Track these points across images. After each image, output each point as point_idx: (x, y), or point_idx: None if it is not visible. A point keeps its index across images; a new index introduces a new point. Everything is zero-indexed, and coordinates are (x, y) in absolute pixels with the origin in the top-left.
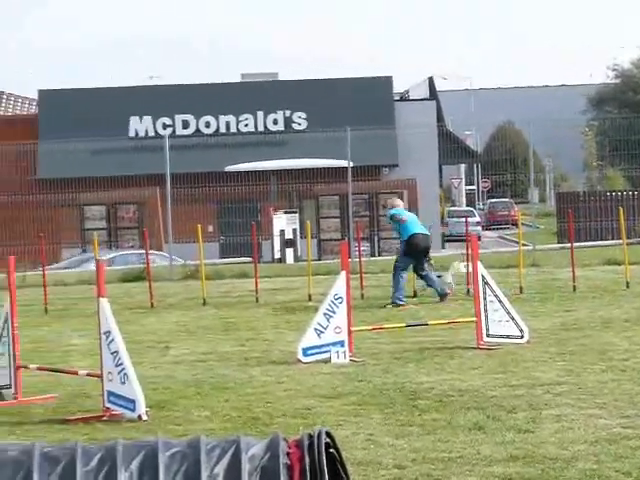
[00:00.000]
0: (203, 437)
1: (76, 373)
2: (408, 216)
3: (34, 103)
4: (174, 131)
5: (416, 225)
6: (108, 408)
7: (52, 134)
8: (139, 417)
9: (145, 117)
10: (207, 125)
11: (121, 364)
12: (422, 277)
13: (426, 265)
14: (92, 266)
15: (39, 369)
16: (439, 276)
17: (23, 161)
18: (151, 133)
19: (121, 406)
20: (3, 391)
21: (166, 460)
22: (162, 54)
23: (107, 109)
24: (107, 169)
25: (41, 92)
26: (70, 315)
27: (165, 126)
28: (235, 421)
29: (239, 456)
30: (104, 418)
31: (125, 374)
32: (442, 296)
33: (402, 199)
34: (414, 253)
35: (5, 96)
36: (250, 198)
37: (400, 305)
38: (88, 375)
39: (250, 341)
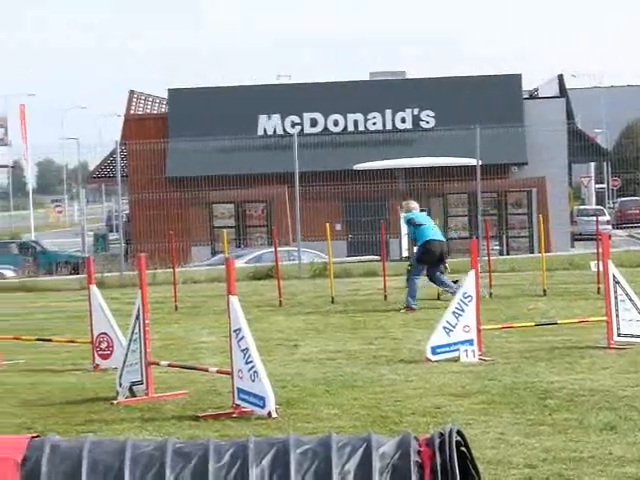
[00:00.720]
0: (334, 435)
1: (206, 370)
2: (425, 221)
3: (164, 102)
4: (302, 129)
5: (432, 231)
6: (238, 405)
7: (182, 133)
8: (269, 414)
9: (274, 115)
10: (335, 123)
11: (251, 362)
12: (437, 282)
13: (439, 271)
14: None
15: (170, 366)
16: (455, 281)
17: (154, 160)
18: (279, 131)
19: (251, 403)
20: (135, 387)
21: (297, 457)
22: (290, 53)
23: (236, 108)
24: (236, 167)
25: (171, 91)
26: (200, 312)
27: (293, 124)
28: (364, 419)
29: (370, 454)
30: (234, 415)
31: (255, 371)
32: None
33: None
34: (429, 259)
35: (136, 95)
36: (378, 196)
37: (413, 309)
38: (218, 372)
39: (378, 339)
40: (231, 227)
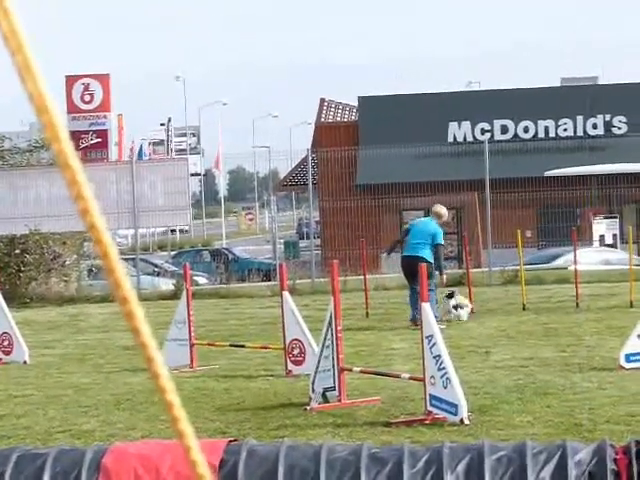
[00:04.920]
0: (529, 442)
1: (399, 376)
2: (413, 230)
3: (354, 110)
4: (492, 136)
5: (407, 245)
6: (430, 412)
7: (372, 140)
8: (461, 421)
9: (464, 122)
10: (526, 130)
11: (443, 368)
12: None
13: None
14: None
15: (362, 372)
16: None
17: (344, 167)
18: (470, 138)
19: (443, 410)
20: (327, 393)
21: (492, 463)
22: (480, 61)
23: (426, 115)
24: (426, 174)
25: (361, 99)
26: (391, 319)
27: (484, 131)
28: (558, 427)
29: (565, 461)
30: (426, 422)
31: (447, 378)
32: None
33: None
34: (404, 274)
35: (327, 103)
36: (569, 203)
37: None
38: (411, 379)
39: (571, 347)
40: None
